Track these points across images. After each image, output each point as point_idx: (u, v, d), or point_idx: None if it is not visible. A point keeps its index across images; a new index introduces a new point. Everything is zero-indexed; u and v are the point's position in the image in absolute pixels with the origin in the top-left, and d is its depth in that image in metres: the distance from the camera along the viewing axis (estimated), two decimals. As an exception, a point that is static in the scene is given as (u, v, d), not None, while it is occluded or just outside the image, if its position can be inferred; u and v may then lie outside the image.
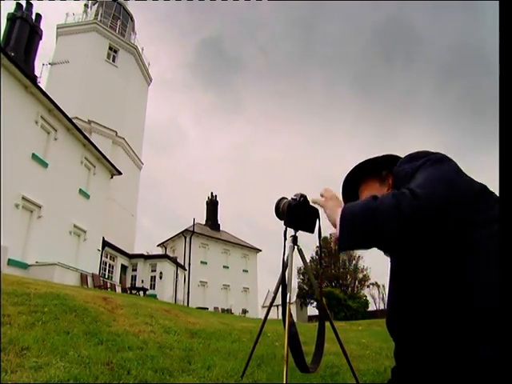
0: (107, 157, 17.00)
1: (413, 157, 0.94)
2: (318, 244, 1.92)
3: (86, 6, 27.74)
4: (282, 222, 1.87)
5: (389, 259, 1.02)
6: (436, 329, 0.80)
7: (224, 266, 31.22)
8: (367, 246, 0.83)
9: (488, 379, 0.69)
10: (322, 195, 1.02)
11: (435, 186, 0.79)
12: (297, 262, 2.05)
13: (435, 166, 0.86)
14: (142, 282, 21.24)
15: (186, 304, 23.10)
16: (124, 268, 21.43)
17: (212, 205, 34.62)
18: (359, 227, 0.82)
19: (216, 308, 24.51)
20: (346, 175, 1.16)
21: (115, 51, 26.07)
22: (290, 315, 1.72)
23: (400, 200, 0.77)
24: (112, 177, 18.11)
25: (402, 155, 1.00)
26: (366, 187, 1.11)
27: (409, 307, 0.87)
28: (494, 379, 0.68)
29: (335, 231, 0.89)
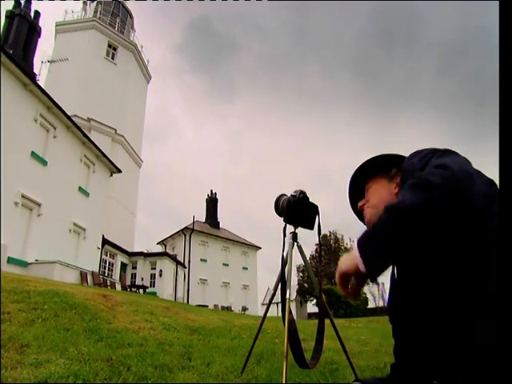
0: (107, 155, 16.99)
1: (421, 152, 0.91)
2: (317, 241, 1.92)
3: (84, 3, 27.64)
4: (282, 218, 1.87)
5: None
6: (441, 322, 0.78)
7: (224, 264, 31.26)
8: (400, 247, 0.74)
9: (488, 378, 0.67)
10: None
11: (457, 163, 0.75)
12: (296, 260, 2.06)
13: (448, 155, 0.83)
14: (142, 279, 21.27)
15: (185, 301, 23.16)
16: (124, 266, 21.45)
17: (212, 202, 34.65)
18: (387, 231, 0.74)
19: (216, 305, 24.55)
20: (354, 170, 1.13)
21: (114, 49, 25.98)
22: (290, 312, 1.72)
23: (422, 178, 0.73)
24: (111, 175, 18.09)
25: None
26: (373, 183, 1.08)
27: (416, 299, 0.85)
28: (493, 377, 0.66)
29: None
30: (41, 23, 16.27)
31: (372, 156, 1.09)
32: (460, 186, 0.71)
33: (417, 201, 0.70)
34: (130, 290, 17.03)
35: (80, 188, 14.88)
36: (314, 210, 1.83)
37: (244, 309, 27.28)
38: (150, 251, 25.32)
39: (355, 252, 0.78)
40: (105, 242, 17.43)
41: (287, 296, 1.79)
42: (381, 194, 1.02)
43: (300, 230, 1.95)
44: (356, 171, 1.13)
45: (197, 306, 15.20)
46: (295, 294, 31.58)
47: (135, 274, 22.05)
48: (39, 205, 11.95)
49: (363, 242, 0.77)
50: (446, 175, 0.71)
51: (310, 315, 31.41)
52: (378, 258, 0.75)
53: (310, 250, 31.50)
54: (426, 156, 0.85)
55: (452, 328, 0.75)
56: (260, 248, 35.51)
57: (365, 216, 1.06)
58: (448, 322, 0.76)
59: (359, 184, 1.13)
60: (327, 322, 1.99)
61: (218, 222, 34.52)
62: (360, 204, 1.09)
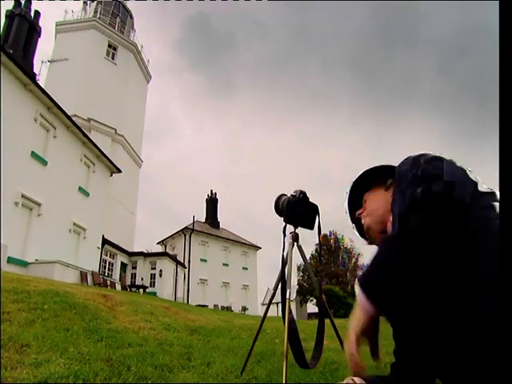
0: (106, 155, 16.99)
1: (408, 158, 0.89)
2: (317, 241, 1.92)
3: (84, 3, 27.63)
4: (282, 218, 1.87)
5: None
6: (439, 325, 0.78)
7: (224, 264, 31.26)
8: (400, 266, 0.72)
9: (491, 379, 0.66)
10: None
11: (449, 173, 0.74)
12: (297, 259, 2.06)
13: (438, 162, 0.79)
14: (142, 279, 21.26)
15: (185, 301, 23.15)
16: (124, 266, 21.45)
17: (212, 202, 34.66)
18: (388, 262, 0.73)
19: (216, 305, 24.55)
20: (352, 182, 1.16)
21: (114, 48, 25.98)
22: (290, 312, 1.72)
23: (415, 197, 0.72)
24: (111, 174, 18.09)
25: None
26: (371, 194, 1.11)
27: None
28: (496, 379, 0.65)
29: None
30: (41, 23, 16.26)
31: (367, 168, 1.12)
32: (455, 204, 0.70)
33: (413, 227, 0.71)
34: (130, 290, 17.03)
35: (80, 188, 14.88)
36: (313, 210, 1.83)
37: (244, 309, 27.28)
38: (150, 251, 25.32)
39: (360, 295, 0.76)
40: (105, 241, 17.42)
41: (287, 296, 1.78)
42: (378, 203, 1.06)
43: (300, 230, 1.94)
44: (353, 185, 1.16)
45: (197, 305, 15.19)
46: (295, 294, 31.56)
47: (135, 273, 22.04)
48: (39, 205, 11.95)
49: (365, 281, 0.75)
50: (440, 194, 0.70)
51: (310, 315, 31.38)
52: (382, 291, 0.73)
53: (310, 249, 31.50)
54: (417, 161, 0.83)
55: (452, 328, 0.75)
56: (260, 248, 35.54)
57: (363, 224, 1.10)
58: (448, 322, 0.76)
59: (357, 196, 1.16)
60: (327, 321, 1.99)
61: (218, 222, 34.52)
62: (358, 212, 1.13)
